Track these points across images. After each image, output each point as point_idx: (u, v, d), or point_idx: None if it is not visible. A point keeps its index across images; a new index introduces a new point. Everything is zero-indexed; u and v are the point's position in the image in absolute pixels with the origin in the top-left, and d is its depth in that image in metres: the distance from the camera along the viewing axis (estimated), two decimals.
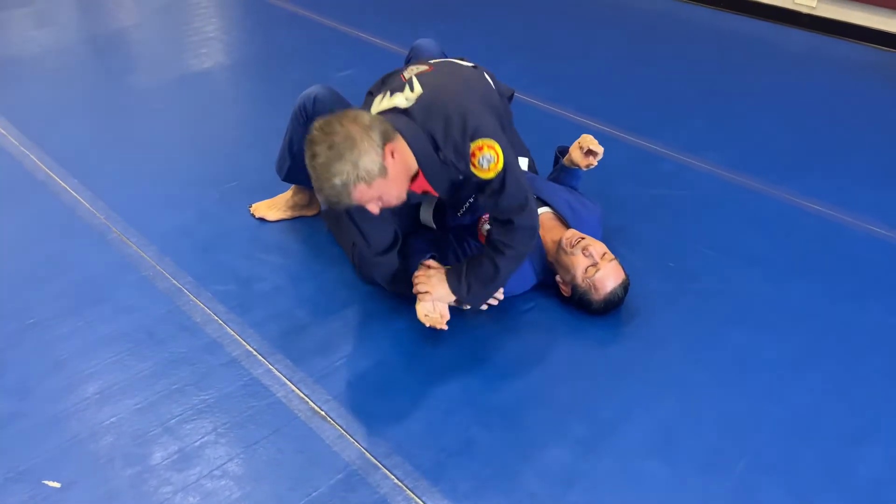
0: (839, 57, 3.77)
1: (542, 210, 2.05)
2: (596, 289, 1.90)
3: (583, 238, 1.94)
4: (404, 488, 1.53)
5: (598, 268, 1.90)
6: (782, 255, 2.26)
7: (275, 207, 2.33)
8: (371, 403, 1.72)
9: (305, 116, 2.04)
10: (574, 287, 1.93)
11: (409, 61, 2.30)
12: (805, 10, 4.09)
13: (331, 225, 2.21)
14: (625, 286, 1.94)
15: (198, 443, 1.61)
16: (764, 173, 2.67)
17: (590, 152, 2.11)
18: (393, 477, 1.55)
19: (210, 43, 3.71)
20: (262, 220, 2.31)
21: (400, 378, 1.79)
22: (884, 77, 3.53)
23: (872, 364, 1.87)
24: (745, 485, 1.56)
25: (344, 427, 1.66)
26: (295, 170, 2.16)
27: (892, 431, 1.69)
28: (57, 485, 1.51)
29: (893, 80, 3.49)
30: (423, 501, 1.51)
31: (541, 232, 1.96)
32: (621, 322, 1.97)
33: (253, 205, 2.35)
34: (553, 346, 1.91)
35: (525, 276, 1.94)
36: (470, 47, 3.28)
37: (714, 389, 1.79)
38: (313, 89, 2.05)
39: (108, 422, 1.65)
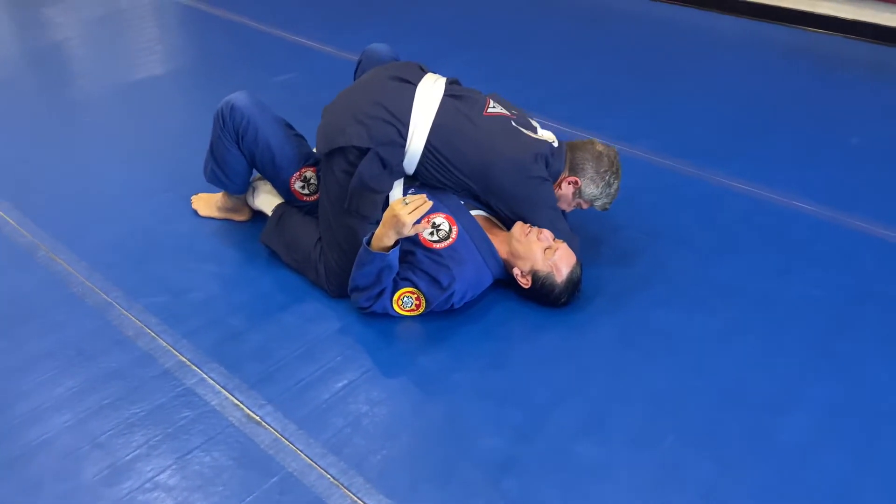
0: (768, 39, 3.88)
1: (476, 212, 2.07)
2: (558, 269, 1.94)
3: (532, 227, 1.98)
4: (340, 486, 1.54)
5: (554, 249, 1.94)
6: (710, 235, 2.32)
7: (207, 204, 2.37)
8: (307, 406, 1.72)
9: (222, 122, 2.06)
10: (535, 275, 1.95)
11: (360, 64, 2.31)
12: None
13: (276, 247, 2.14)
14: (580, 266, 1.99)
15: (129, 457, 1.59)
16: (694, 157, 2.74)
17: None
18: (328, 476, 1.56)
19: (144, 53, 3.67)
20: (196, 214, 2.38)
21: (336, 379, 1.80)
22: (811, 58, 3.64)
23: (795, 335, 1.94)
24: (673, 458, 1.60)
25: (279, 430, 1.66)
26: (215, 172, 2.16)
27: (813, 399, 1.75)
28: None
29: (821, 61, 3.60)
30: (358, 498, 1.52)
31: (487, 233, 1.99)
32: (554, 309, 2.00)
33: (195, 195, 2.41)
34: (487, 336, 1.93)
35: (483, 278, 1.97)
36: (413, 47, 3.30)
37: (643, 368, 1.83)
38: (233, 96, 2.07)
39: (37, 441, 1.62)
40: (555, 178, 2.08)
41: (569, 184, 2.09)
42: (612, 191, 2.12)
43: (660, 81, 3.40)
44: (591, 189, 2.09)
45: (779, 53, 3.70)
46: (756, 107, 3.15)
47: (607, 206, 2.16)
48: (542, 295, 1.97)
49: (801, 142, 2.86)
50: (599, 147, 2.11)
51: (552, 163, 2.06)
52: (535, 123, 2.14)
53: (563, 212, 2.13)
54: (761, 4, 4.12)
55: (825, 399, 1.75)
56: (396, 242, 1.82)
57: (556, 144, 2.10)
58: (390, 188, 1.99)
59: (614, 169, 2.10)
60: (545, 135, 2.12)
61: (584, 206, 2.16)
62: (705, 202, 2.49)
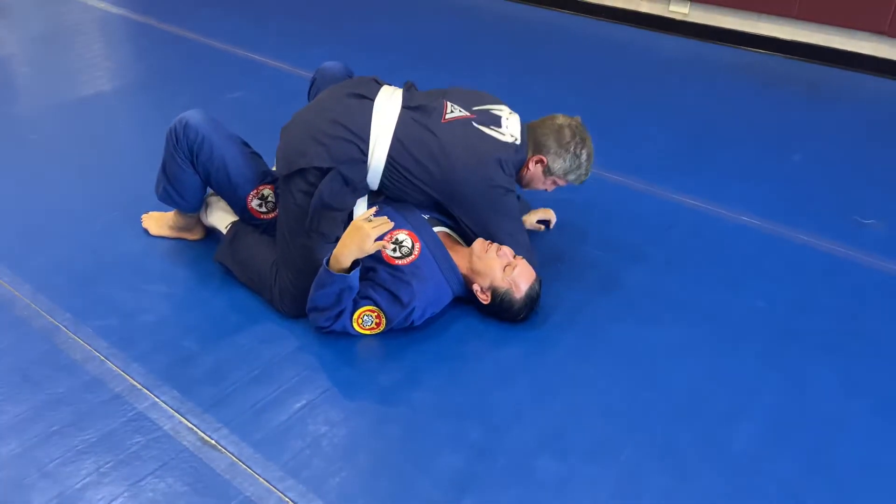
0: (712, 60, 4.01)
1: (438, 229, 2.08)
2: (517, 285, 1.95)
3: (492, 242, 2.00)
4: None
5: (513, 266, 1.95)
6: (662, 250, 2.37)
7: (158, 223, 2.31)
8: (264, 428, 1.70)
9: (175, 140, 2.02)
10: (494, 291, 1.96)
11: (314, 83, 2.30)
12: (679, 18, 4.33)
13: (231, 266, 2.11)
14: (539, 282, 2.01)
15: (79, 485, 1.54)
16: (644, 174, 2.81)
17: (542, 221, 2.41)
18: (287, 500, 1.53)
19: (90, 69, 3.58)
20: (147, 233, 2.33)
21: (294, 400, 1.78)
22: (753, 77, 3.77)
23: (743, 346, 1.99)
24: (630, 470, 1.63)
25: (235, 454, 1.63)
26: (168, 191, 2.12)
27: (763, 407, 1.80)
28: None
29: (762, 79, 3.74)
30: None
31: (448, 250, 2.00)
32: (511, 325, 2.02)
33: (145, 214, 2.36)
34: (446, 353, 1.93)
35: (443, 295, 1.98)
36: (365, 64, 3.30)
37: (600, 383, 1.86)
38: (187, 114, 2.03)
39: None
40: (520, 168, 2.07)
41: (535, 163, 2.06)
42: (583, 161, 2.08)
43: (607, 99, 3.48)
44: (558, 164, 2.06)
45: (721, 72, 3.83)
46: (702, 124, 3.25)
47: (583, 178, 2.12)
48: (502, 311, 1.99)
49: (747, 158, 2.96)
50: (560, 119, 2.08)
51: (517, 161, 2.04)
52: (498, 112, 2.07)
53: (526, 231, 2.15)
54: (702, 25, 4.27)
55: (774, 407, 1.81)
56: (356, 263, 1.81)
57: (518, 142, 2.05)
58: (353, 205, 1.99)
59: (578, 139, 2.06)
60: (511, 124, 2.06)
61: (561, 183, 2.13)
62: (656, 218, 2.55)
